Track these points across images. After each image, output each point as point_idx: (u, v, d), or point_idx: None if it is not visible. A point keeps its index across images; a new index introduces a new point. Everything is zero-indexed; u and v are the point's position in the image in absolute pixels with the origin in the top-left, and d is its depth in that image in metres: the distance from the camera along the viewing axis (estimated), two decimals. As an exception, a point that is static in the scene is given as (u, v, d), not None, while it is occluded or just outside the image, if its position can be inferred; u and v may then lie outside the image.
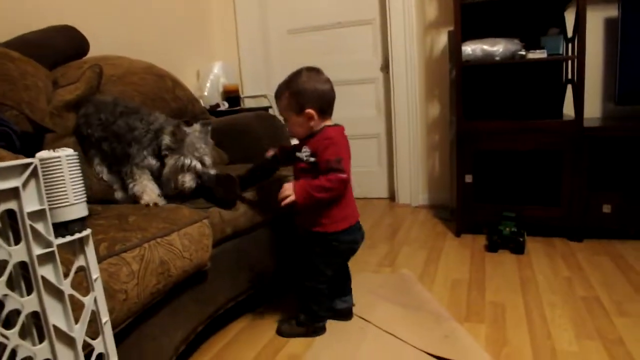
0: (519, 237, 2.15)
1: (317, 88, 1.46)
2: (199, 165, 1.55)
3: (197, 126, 1.60)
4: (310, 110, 1.45)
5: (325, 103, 1.48)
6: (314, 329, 1.58)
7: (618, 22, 2.27)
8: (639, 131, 2.15)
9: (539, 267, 1.99)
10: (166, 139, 1.55)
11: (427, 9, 2.86)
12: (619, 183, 2.18)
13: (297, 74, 1.49)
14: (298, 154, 1.50)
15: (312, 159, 1.46)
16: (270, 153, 1.66)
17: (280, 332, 1.60)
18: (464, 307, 1.70)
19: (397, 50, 2.93)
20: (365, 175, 3.27)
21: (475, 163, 2.36)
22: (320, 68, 1.52)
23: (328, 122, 1.50)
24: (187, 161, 1.53)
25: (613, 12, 2.34)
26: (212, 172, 1.58)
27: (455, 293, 1.81)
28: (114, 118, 1.61)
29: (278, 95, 1.51)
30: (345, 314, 1.66)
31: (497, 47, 2.29)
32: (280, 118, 1.75)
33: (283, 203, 1.45)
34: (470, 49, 2.32)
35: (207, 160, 1.59)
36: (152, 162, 1.58)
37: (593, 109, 2.55)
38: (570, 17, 2.31)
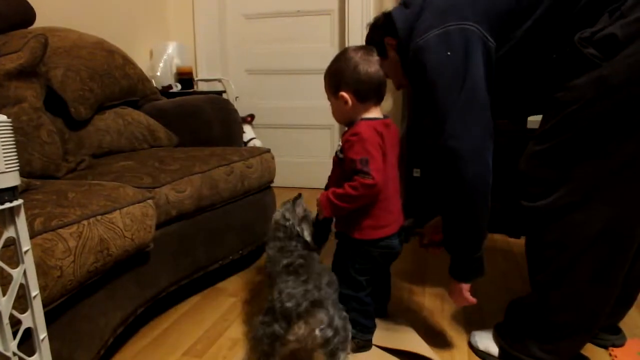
0: (461, 231, 2.22)
1: (357, 68, 1.25)
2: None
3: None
4: (343, 93, 1.27)
5: (364, 87, 1.26)
6: (363, 343, 1.37)
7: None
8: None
9: (478, 261, 2.06)
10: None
11: (385, 2, 2.88)
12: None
13: (341, 52, 1.32)
14: (338, 144, 1.34)
15: (341, 155, 1.29)
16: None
17: None
18: (405, 299, 1.74)
19: (355, 42, 2.94)
20: (316, 166, 3.27)
21: (423, 157, 2.41)
22: (373, 48, 1.32)
23: (373, 113, 1.30)
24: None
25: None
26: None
27: (397, 284, 1.85)
28: None
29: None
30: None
31: (450, 46, 2.34)
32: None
33: (320, 217, 1.31)
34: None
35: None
36: None
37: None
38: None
